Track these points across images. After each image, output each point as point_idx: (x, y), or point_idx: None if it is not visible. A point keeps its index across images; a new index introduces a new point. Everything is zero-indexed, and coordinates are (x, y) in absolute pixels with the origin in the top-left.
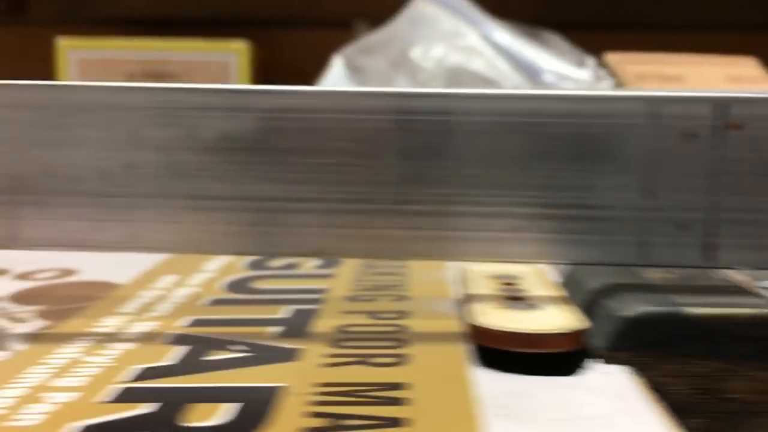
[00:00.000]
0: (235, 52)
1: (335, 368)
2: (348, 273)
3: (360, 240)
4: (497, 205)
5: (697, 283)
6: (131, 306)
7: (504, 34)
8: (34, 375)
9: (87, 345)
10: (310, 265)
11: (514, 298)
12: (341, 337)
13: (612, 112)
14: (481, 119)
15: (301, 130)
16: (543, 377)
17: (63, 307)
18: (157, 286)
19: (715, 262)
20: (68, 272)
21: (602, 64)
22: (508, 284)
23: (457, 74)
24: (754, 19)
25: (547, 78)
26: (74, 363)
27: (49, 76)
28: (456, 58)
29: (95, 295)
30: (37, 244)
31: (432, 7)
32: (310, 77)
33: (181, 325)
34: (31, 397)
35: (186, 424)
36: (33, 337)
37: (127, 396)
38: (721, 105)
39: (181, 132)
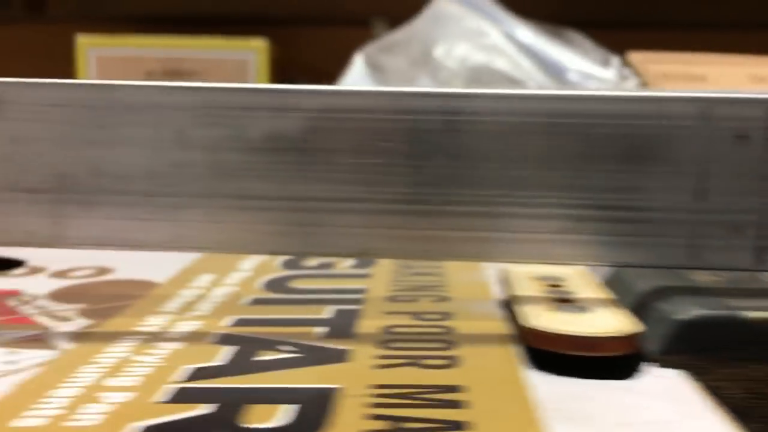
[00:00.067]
0: (254, 50)
1: (387, 370)
2: (385, 273)
3: (405, 241)
4: (546, 206)
5: (747, 286)
6: (172, 305)
7: (527, 33)
8: (86, 374)
9: (134, 344)
10: (345, 264)
11: (563, 300)
12: (388, 338)
13: (664, 113)
14: (531, 120)
15: (347, 130)
16: (598, 380)
17: (104, 305)
18: (195, 285)
19: (767, 265)
20: (104, 270)
21: (625, 63)
22: (554, 286)
23: (480, 73)
24: None
25: (572, 77)
26: (124, 362)
27: (69, 73)
28: (479, 57)
29: (134, 294)
30: (83, 243)
31: (454, 5)
32: (328, 76)
33: (225, 324)
34: (87, 396)
35: (247, 425)
36: (79, 336)
37: (184, 396)
38: None
39: (227, 132)
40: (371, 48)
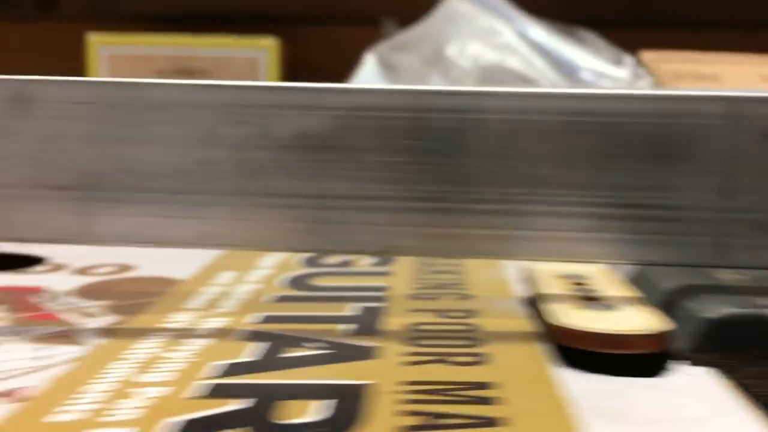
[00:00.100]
0: (265, 48)
1: (417, 366)
2: (405, 271)
3: (430, 239)
4: (570, 204)
5: None
6: (196, 302)
7: (540, 32)
8: (118, 370)
9: (163, 341)
10: (365, 262)
11: (589, 299)
12: (415, 336)
13: (690, 112)
14: (555, 118)
15: (372, 128)
16: (628, 378)
17: (129, 302)
18: (217, 282)
19: None
20: (126, 268)
21: (638, 62)
22: (579, 284)
23: (492, 72)
24: None
25: (585, 76)
26: (155, 358)
27: (80, 71)
28: (492, 56)
29: (158, 291)
30: (110, 240)
31: (466, 4)
32: (337, 74)
33: (251, 321)
34: (121, 392)
35: (283, 421)
36: (107, 333)
37: (220, 391)
38: None
39: (254, 130)
40: (383, 47)
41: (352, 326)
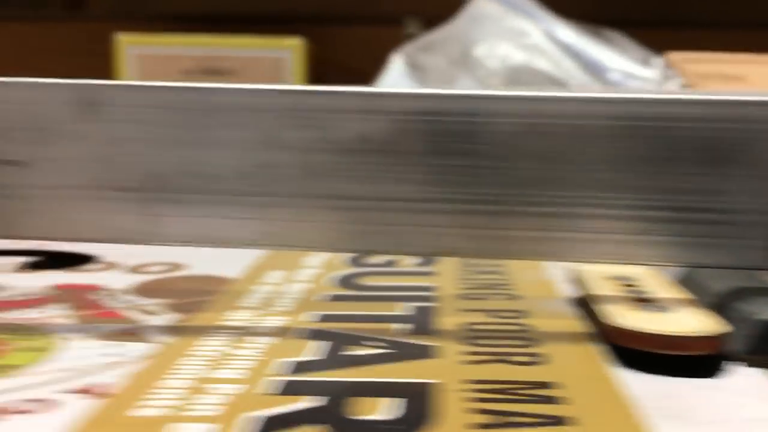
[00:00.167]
0: (290, 48)
1: (477, 366)
2: (449, 271)
3: (488, 240)
4: (624, 208)
5: None
6: (251, 300)
7: (568, 32)
8: (190, 366)
9: (228, 338)
10: (408, 262)
11: (642, 300)
12: (470, 335)
13: (745, 116)
14: (612, 123)
15: (432, 132)
16: (686, 379)
17: (186, 300)
18: (268, 281)
19: None
20: (177, 266)
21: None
22: (629, 285)
23: (520, 73)
24: None
25: (613, 76)
26: (224, 356)
27: (107, 71)
28: (520, 57)
29: (211, 289)
30: (175, 240)
31: (494, 5)
32: (360, 74)
33: (309, 320)
34: (198, 388)
35: (359, 417)
36: (173, 330)
37: (292, 389)
38: None
39: (316, 133)
40: (410, 47)
41: (408, 326)
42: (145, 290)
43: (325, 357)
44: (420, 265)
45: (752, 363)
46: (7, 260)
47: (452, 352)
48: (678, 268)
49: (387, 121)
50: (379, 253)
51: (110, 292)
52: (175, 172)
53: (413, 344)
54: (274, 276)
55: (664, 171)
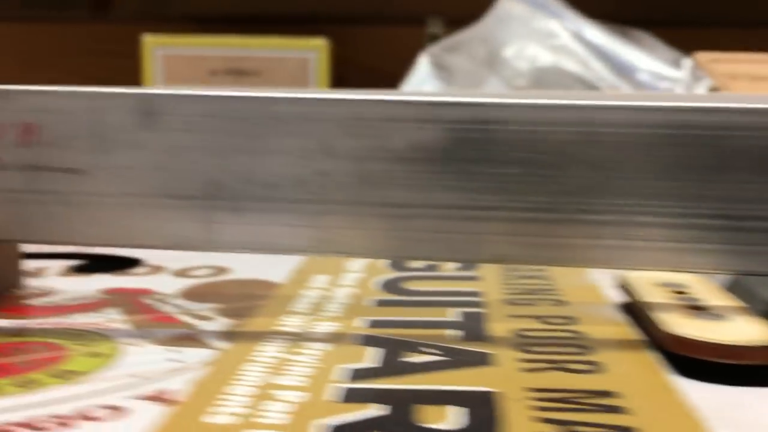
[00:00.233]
0: (315, 49)
1: (535, 374)
2: (492, 276)
3: (541, 248)
4: (676, 216)
5: None
6: (301, 305)
7: (596, 33)
8: (252, 373)
9: (284, 344)
10: (450, 266)
11: (696, 308)
12: (523, 342)
13: None
14: (663, 132)
15: (487, 140)
16: (746, 388)
17: (238, 305)
18: (314, 286)
19: None
20: (223, 270)
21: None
22: (680, 293)
23: (548, 74)
24: None
25: (642, 77)
26: (283, 362)
27: (133, 72)
28: (548, 58)
29: (260, 294)
30: (232, 247)
31: (521, 6)
32: (384, 74)
33: (360, 325)
34: (264, 395)
35: (425, 425)
36: (230, 336)
37: (355, 396)
38: None
39: (371, 142)
40: (436, 48)
41: (460, 332)
42: (194, 294)
43: (381, 364)
44: (461, 269)
45: None
46: (52, 263)
47: (508, 359)
48: (725, 276)
49: (443, 130)
50: (432, 260)
51: (161, 297)
52: (233, 180)
53: (468, 351)
54: (320, 280)
55: (717, 179)
